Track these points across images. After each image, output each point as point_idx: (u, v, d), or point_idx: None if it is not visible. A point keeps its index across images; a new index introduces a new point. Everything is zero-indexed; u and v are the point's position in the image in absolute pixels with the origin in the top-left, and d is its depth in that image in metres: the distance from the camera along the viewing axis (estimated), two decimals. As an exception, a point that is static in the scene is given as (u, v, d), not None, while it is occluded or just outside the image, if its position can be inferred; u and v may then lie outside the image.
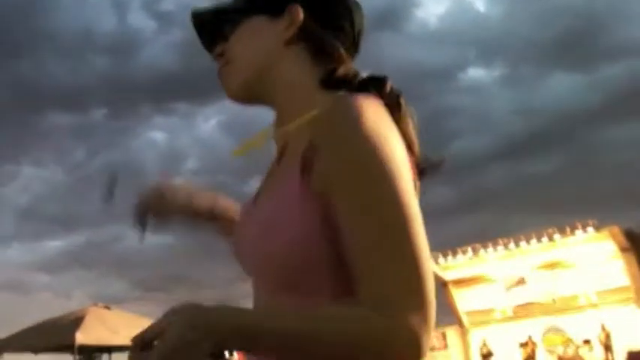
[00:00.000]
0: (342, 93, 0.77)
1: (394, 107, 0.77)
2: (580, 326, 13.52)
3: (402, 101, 0.80)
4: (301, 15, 0.85)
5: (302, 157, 0.73)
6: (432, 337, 0.63)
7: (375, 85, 0.79)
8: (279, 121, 0.87)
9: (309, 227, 0.70)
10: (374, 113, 0.71)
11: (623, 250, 13.38)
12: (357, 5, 0.90)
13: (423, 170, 0.81)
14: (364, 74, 0.84)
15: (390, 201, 0.65)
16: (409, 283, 0.63)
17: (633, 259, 13.32)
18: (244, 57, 0.88)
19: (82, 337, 9.56)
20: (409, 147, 0.77)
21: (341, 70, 0.83)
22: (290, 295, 0.73)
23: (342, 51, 0.85)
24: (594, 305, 13.65)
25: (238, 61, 0.88)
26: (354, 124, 0.68)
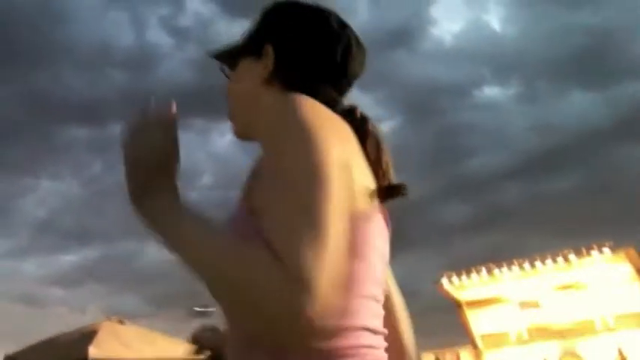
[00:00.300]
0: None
1: (362, 130, 0.85)
2: (596, 350, 13.33)
3: (370, 125, 0.88)
4: (271, 55, 0.91)
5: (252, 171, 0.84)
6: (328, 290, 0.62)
7: (346, 113, 0.86)
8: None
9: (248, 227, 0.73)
10: (305, 104, 0.74)
11: (639, 272, 13.19)
12: (340, 31, 0.93)
13: (385, 189, 0.85)
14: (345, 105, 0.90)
15: (304, 204, 0.65)
16: (309, 239, 0.62)
17: (650, 282, 13.12)
18: (237, 99, 0.96)
19: (95, 352, 9.58)
20: (375, 163, 0.84)
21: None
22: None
23: (318, 82, 0.89)
24: (611, 329, 13.46)
25: (234, 103, 0.96)
26: (281, 120, 0.73)
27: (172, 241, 0.73)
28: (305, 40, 0.91)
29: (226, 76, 0.98)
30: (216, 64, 1.00)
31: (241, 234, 0.73)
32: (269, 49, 0.91)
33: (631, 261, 13.91)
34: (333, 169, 0.68)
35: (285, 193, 0.66)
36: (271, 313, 0.61)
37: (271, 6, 0.97)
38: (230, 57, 0.97)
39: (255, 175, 0.82)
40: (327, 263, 0.61)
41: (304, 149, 0.68)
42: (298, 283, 0.60)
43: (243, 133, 0.97)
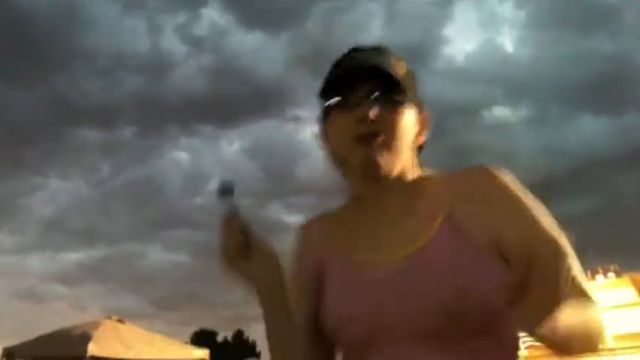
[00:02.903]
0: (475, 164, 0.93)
1: None
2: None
3: None
4: (429, 123, 0.99)
5: (447, 214, 0.88)
6: None
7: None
8: (381, 200, 0.96)
9: (501, 273, 0.73)
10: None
11: (643, 296, 13.10)
12: None
13: None
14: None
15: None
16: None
17: (654, 307, 13.02)
18: (400, 140, 0.93)
19: (94, 349, 9.56)
20: None
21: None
22: (483, 340, 0.81)
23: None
24: (611, 350, 13.35)
25: (399, 144, 0.93)
26: (505, 176, 0.89)
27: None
28: None
29: (392, 100, 0.93)
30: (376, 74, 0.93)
31: (492, 268, 0.80)
32: (427, 117, 0.99)
33: (636, 286, 13.83)
34: None
35: (565, 250, 0.74)
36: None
37: (406, 64, 1.00)
38: (401, 94, 0.94)
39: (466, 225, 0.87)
40: None
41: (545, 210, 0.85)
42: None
43: (390, 170, 0.93)
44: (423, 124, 0.98)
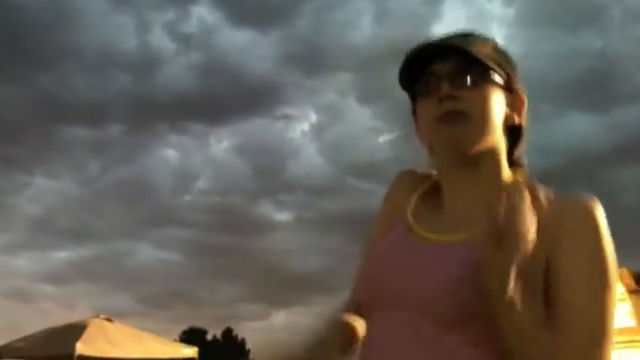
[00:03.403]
0: (586, 195, 0.90)
1: None
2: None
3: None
4: (525, 106, 0.97)
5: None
6: None
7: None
8: (464, 187, 0.95)
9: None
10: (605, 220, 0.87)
11: (631, 292, 13.20)
12: None
13: None
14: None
15: (604, 295, 0.82)
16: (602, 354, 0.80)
17: (641, 302, 13.13)
18: (486, 119, 0.91)
19: (82, 348, 9.52)
20: None
21: (518, 154, 0.99)
22: (478, 332, 0.81)
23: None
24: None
25: (479, 120, 0.91)
26: (602, 225, 0.86)
27: None
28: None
29: (456, 78, 0.92)
30: (456, 56, 0.92)
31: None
32: (524, 98, 0.97)
33: (623, 281, 13.96)
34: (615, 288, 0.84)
35: (590, 296, 0.81)
36: None
37: (502, 47, 0.99)
38: (482, 72, 0.92)
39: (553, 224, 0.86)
40: None
41: (611, 259, 0.85)
42: None
43: (471, 151, 0.92)
44: (515, 106, 0.96)
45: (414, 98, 0.99)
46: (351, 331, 0.93)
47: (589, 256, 0.84)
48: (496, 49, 0.96)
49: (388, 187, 1.08)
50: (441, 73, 0.92)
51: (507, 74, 0.95)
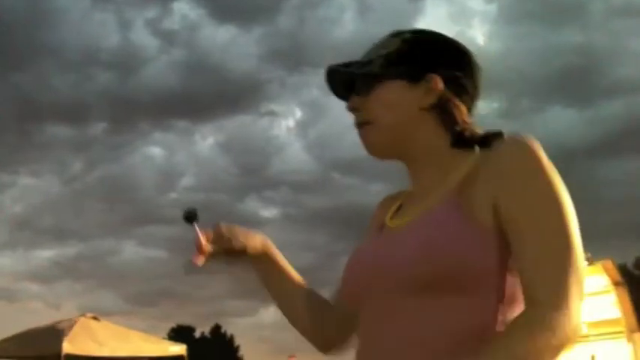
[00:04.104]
0: (506, 137, 0.91)
1: None
2: (569, 357, 13.43)
3: None
4: (441, 85, 0.95)
5: (463, 184, 0.88)
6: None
7: (489, 140, 0.93)
8: (417, 177, 0.99)
9: (483, 241, 0.82)
10: (543, 152, 0.85)
11: (615, 284, 13.32)
12: (479, 68, 1.01)
13: None
14: (480, 131, 0.97)
15: (563, 230, 0.79)
16: (570, 290, 0.77)
17: (625, 294, 13.25)
18: (386, 119, 0.96)
19: (68, 347, 9.47)
20: None
21: (467, 133, 0.96)
22: (454, 297, 0.82)
23: (468, 115, 0.98)
24: (585, 336, 13.56)
25: (380, 123, 0.96)
26: (534, 156, 0.84)
27: None
28: (472, 76, 0.99)
29: (355, 92, 1.00)
30: (343, 79, 1.02)
31: (471, 234, 0.83)
32: (438, 81, 0.95)
33: (607, 273, 14.05)
34: (574, 218, 0.82)
35: (548, 241, 0.79)
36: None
37: (422, 35, 1.01)
38: (369, 77, 0.98)
39: (471, 188, 0.87)
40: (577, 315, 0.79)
41: (560, 194, 0.82)
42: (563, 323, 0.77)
43: (384, 154, 1.01)
44: (430, 88, 0.96)
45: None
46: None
47: (535, 198, 0.82)
48: (406, 41, 0.98)
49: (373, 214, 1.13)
50: (341, 89, 1.02)
51: (411, 65, 0.96)
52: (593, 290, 14.42)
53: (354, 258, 0.99)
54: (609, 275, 13.69)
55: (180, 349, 11.53)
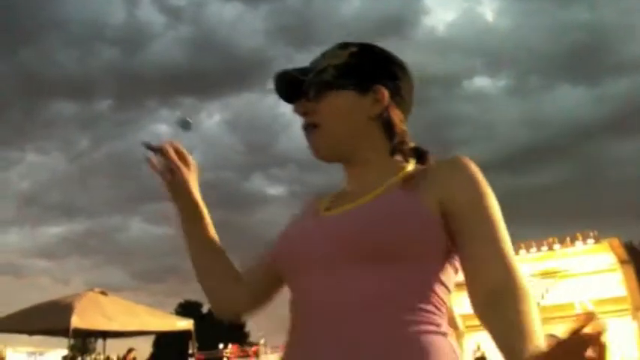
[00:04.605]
0: (433, 156, 1.04)
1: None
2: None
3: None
4: (386, 97, 1.03)
5: (407, 182, 0.96)
6: None
7: (423, 155, 1.06)
8: (356, 180, 1.05)
9: (429, 219, 0.91)
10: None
11: (622, 262, 13.37)
12: (414, 81, 1.10)
13: None
14: (412, 144, 1.07)
15: (499, 219, 0.93)
16: (512, 258, 0.90)
17: (631, 272, 13.32)
18: (334, 125, 1.03)
19: (77, 321, 9.55)
20: None
21: (405, 145, 1.05)
22: (382, 264, 0.88)
23: (406, 127, 1.06)
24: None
25: (328, 128, 1.03)
26: (476, 169, 0.96)
27: None
28: (409, 87, 1.08)
29: (305, 97, 1.06)
30: (293, 82, 1.07)
31: (419, 213, 0.91)
32: (384, 92, 1.03)
33: (614, 251, 14.10)
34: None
35: (497, 222, 0.92)
36: None
37: (368, 48, 1.08)
38: (322, 85, 1.04)
39: (418, 182, 0.96)
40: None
41: (495, 202, 0.95)
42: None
43: (329, 157, 1.07)
44: (377, 100, 1.03)
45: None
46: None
47: (479, 201, 0.94)
48: (354, 54, 1.06)
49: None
50: (293, 92, 1.07)
51: (360, 76, 1.04)
52: (599, 268, 14.50)
53: (292, 231, 1.04)
54: (616, 253, 13.78)
55: (187, 323, 11.63)
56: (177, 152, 1.14)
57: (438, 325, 0.90)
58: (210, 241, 1.16)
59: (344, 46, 1.07)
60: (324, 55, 1.08)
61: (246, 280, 1.13)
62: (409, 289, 0.90)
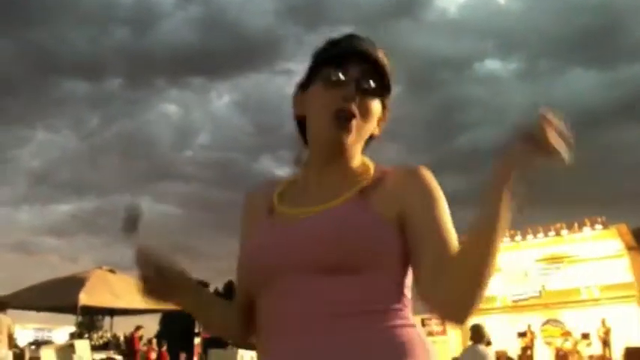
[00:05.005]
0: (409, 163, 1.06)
1: None
2: (580, 320, 13.48)
3: None
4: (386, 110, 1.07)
5: (364, 190, 1.00)
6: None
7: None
8: (324, 172, 1.05)
9: (387, 227, 0.95)
10: None
11: (629, 248, 13.32)
12: None
13: None
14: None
15: (448, 215, 0.99)
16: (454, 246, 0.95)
17: (638, 258, 13.26)
18: (366, 126, 1.03)
19: (85, 298, 9.64)
20: None
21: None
22: (353, 275, 0.93)
23: None
24: (596, 300, 13.60)
25: (360, 126, 1.02)
26: (431, 176, 1.02)
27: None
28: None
29: (363, 89, 1.02)
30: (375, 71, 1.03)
31: (380, 222, 0.95)
32: (387, 115, 1.07)
33: (622, 237, 14.01)
34: None
35: (447, 222, 0.98)
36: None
37: (388, 57, 1.06)
38: (385, 89, 1.04)
39: (380, 189, 1.01)
40: None
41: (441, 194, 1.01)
42: None
43: (347, 150, 1.04)
44: (384, 118, 1.07)
45: (310, 77, 1.07)
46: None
47: (432, 202, 0.99)
48: (388, 59, 1.05)
49: (243, 204, 1.17)
50: (354, 74, 1.01)
51: (388, 91, 1.05)
52: (606, 254, 14.43)
53: (258, 242, 1.02)
54: (623, 240, 13.71)
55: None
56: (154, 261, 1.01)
57: (406, 319, 0.95)
58: (212, 310, 1.11)
59: (372, 44, 1.05)
60: (378, 51, 1.04)
61: (241, 308, 1.09)
62: (377, 295, 0.94)
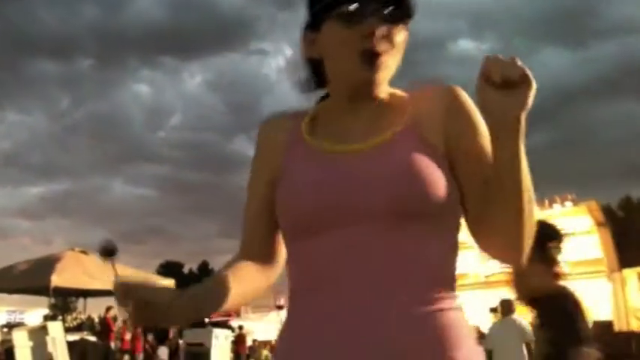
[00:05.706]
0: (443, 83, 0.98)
1: None
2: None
3: None
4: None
5: (409, 121, 0.93)
6: None
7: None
8: (363, 112, 0.97)
9: (444, 163, 0.90)
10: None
11: (599, 224, 13.57)
12: None
13: None
14: None
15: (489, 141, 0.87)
16: None
17: (608, 234, 13.53)
18: (395, 60, 0.95)
19: (57, 280, 9.56)
20: None
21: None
22: (422, 223, 0.86)
23: None
24: (567, 276, 13.84)
25: (393, 66, 0.95)
26: (468, 97, 0.94)
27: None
28: None
29: (392, 20, 0.92)
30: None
31: (440, 169, 0.88)
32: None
33: (592, 214, 14.27)
34: None
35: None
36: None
37: None
38: (411, 15, 0.95)
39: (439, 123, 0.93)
40: None
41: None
42: None
43: (379, 89, 0.97)
44: (405, 39, 0.96)
45: (320, 15, 0.95)
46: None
47: (477, 129, 0.93)
48: None
49: (258, 135, 1.07)
50: (371, 6, 0.90)
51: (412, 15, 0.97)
52: (576, 230, 14.68)
53: (312, 178, 0.92)
54: (593, 216, 13.94)
55: (168, 283, 11.66)
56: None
57: (455, 298, 0.91)
58: (219, 293, 0.97)
59: None
60: None
61: (255, 258, 1.02)
62: (443, 255, 0.90)
